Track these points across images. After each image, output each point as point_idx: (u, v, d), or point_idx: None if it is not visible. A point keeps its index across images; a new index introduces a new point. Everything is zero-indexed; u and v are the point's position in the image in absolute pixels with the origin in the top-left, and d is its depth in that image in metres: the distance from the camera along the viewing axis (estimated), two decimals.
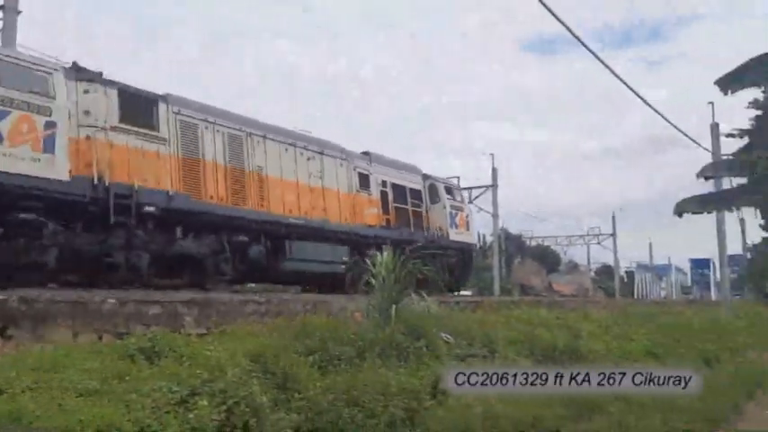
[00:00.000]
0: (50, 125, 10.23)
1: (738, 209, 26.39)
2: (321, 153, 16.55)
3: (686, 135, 27.72)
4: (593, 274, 66.22)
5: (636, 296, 58.43)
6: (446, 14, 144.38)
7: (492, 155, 40.27)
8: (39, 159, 10.02)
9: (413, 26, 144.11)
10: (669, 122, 26.08)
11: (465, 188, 29.77)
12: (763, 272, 45.24)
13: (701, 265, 75.01)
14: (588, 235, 58.84)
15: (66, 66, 11.34)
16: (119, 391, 5.27)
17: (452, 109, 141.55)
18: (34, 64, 10.57)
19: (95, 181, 10.88)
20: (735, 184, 18.74)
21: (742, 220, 47.84)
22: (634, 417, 8.41)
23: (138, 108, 11.97)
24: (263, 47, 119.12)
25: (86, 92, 11.15)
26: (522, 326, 13.12)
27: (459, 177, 27.56)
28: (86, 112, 11.08)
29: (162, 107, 12.48)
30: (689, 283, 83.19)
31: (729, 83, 8.62)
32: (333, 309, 11.43)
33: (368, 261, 9.85)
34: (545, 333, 12.74)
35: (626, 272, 70.61)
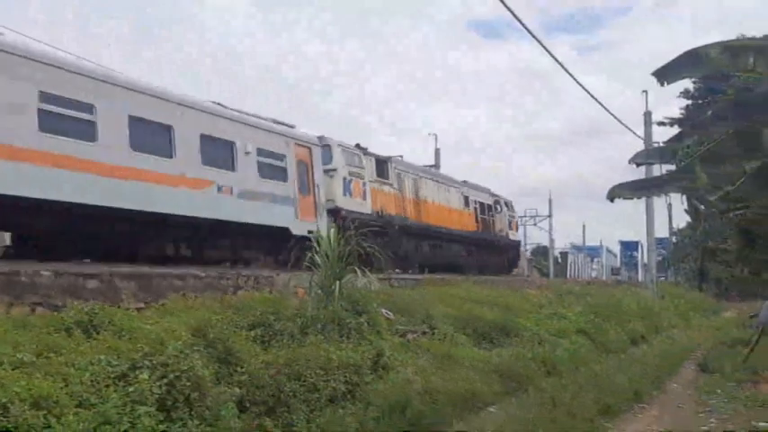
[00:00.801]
0: (364, 184, 19.17)
1: (667, 195, 27.69)
2: (446, 184, 25.40)
3: (621, 122, 28.71)
4: (529, 254, 67.94)
5: (569, 276, 60.34)
6: None
7: (435, 135, 40.76)
8: (363, 203, 19.02)
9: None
10: (605, 109, 26.90)
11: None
12: (685, 255, 47.62)
13: (630, 247, 78.06)
14: (525, 216, 60.27)
15: (363, 149, 19.84)
16: (55, 364, 5.18)
17: (398, 88, 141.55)
18: (359, 154, 19.41)
19: (380, 212, 19.45)
20: (665, 171, 19.67)
21: (669, 206, 50.10)
22: (563, 391, 8.76)
23: (381, 168, 20.46)
24: (209, 25, 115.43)
25: (369, 162, 19.83)
26: (461, 303, 13.43)
27: (402, 156, 27.69)
28: (369, 174, 19.56)
29: (389, 165, 21.04)
30: (618, 264, 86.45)
31: (665, 74, 9.00)
32: (277, 284, 11.43)
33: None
34: (482, 311, 13.08)
35: (560, 253, 72.67)
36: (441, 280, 17.61)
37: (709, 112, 9.71)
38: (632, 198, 10.46)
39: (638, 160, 11.80)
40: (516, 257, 33.14)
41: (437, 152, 39.66)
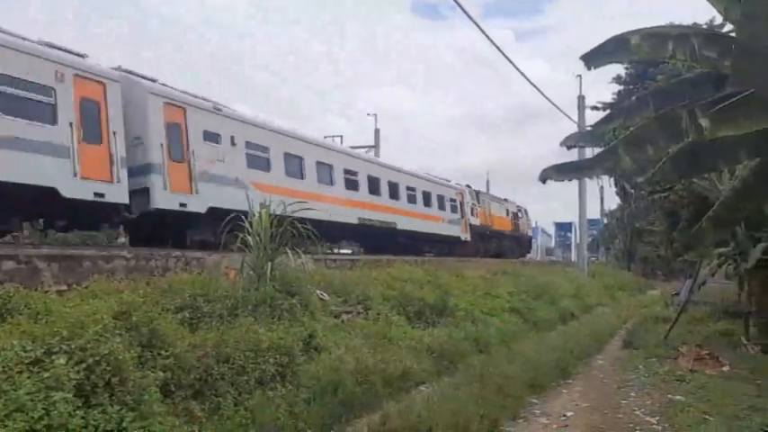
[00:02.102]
0: (472, 207, 34.03)
1: (598, 177, 28.53)
2: (499, 203, 40.59)
3: (555, 105, 29.32)
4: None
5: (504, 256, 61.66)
6: None
7: (375, 115, 41.13)
8: (476, 219, 34.43)
9: None
10: (541, 92, 27.42)
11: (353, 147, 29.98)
12: (614, 236, 49.41)
13: (563, 228, 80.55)
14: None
15: (468, 186, 34.96)
16: None
17: (341, 71, 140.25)
18: (472, 191, 35.17)
19: (479, 224, 34.91)
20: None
21: (601, 188, 51.79)
22: (493, 369, 8.94)
23: (477, 197, 35.65)
24: None
25: (469, 194, 34.24)
26: (397, 283, 13.50)
27: (341, 136, 27.77)
28: (474, 202, 34.78)
29: (479, 195, 36.50)
30: (553, 244, 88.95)
31: (593, 59, 9.21)
32: (207, 264, 11.21)
33: None
34: (418, 291, 13.20)
35: None
36: (378, 260, 17.66)
37: (634, 98, 10.00)
38: (563, 180, 10.68)
39: (568, 143, 12.07)
40: (529, 246, 49.53)
41: (377, 132, 39.74)
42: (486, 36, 17.09)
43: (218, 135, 15.88)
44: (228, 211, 10.47)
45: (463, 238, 31.31)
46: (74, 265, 9.29)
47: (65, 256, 9.28)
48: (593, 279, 31.46)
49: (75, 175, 11.89)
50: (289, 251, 9.84)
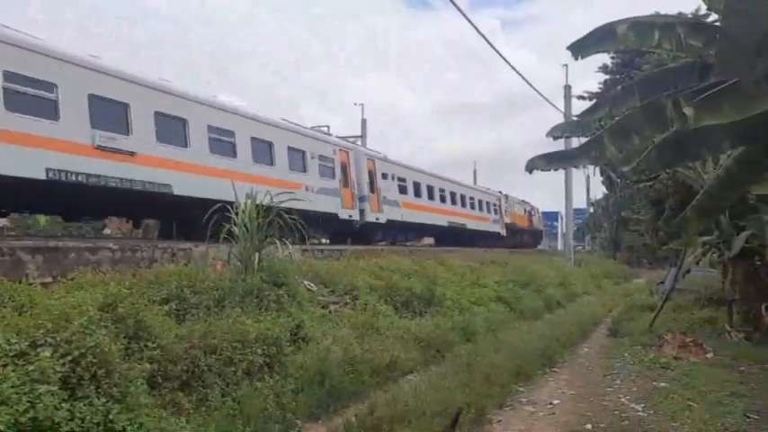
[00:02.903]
0: (505, 210, 43.83)
1: (585, 167, 28.64)
2: (521, 205, 48.94)
3: (541, 95, 29.36)
4: None
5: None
6: None
7: (362, 105, 41.14)
8: (507, 218, 44.27)
9: None
10: (527, 81, 27.35)
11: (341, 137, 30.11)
12: (600, 225, 49.78)
13: (550, 217, 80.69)
14: None
15: (501, 192, 44.51)
16: None
17: (330, 61, 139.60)
18: (502, 195, 43.80)
19: (508, 222, 44.31)
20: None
21: (587, 178, 52.06)
22: (479, 358, 8.99)
23: (505, 200, 44.07)
24: None
25: (505, 198, 44.67)
26: (384, 273, 13.51)
27: (329, 126, 27.65)
28: (505, 204, 44.05)
29: (508, 198, 45.40)
30: None
31: (580, 48, 9.21)
32: (193, 256, 11.15)
33: None
34: (405, 281, 13.22)
35: None
36: (366, 250, 17.65)
37: (620, 87, 10.03)
38: (549, 170, 10.70)
39: (554, 133, 12.09)
40: (540, 238, 57.76)
41: (363, 122, 39.64)
42: (475, 27, 17.06)
43: (387, 174, 26.19)
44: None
45: (502, 234, 41.92)
46: (58, 256, 9.21)
47: (49, 248, 9.20)
48: (580, 268, 31.69)
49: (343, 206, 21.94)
50: (277, 241, 9.81)
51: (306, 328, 8.53)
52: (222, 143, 16.30)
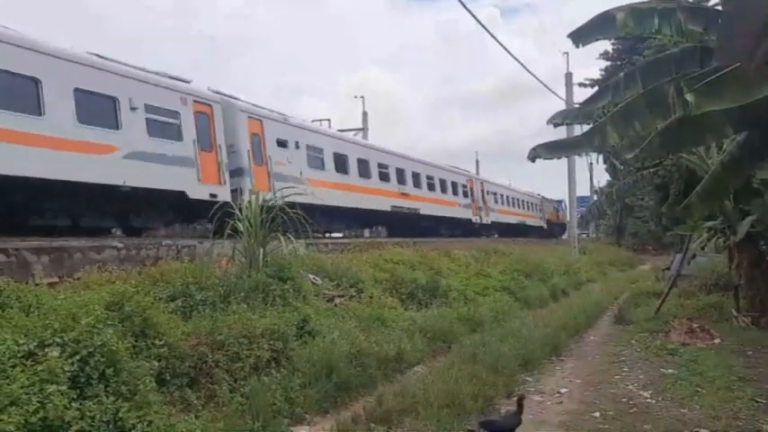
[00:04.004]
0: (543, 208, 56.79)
1: (587, 154, 28.57)
2: (550, 201, 58.97)
3: (542, 83, 29.28)
4: None
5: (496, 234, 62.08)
6: None
7: (362, 97, 40.95)
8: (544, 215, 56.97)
9: None
10: (527, 69, 27.26)
11: (341, 130, 29.83)
12: (603, 212, 49.61)
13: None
14: None
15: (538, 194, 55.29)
16: None
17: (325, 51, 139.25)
18: (541, 199, 56.44)
19: (547, 218, 57.36)
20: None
21: (590, 165, 51.93)
22: (485, 348, 8.99)
23: (541, 200, 56.14)
24: None
25: (544, 201, 57.34)
26: (389, 265, 13.53)
27: (329, 119, 27.72)
28: (543, 204, 57.17)
29: (540, 198, 56.55)
30: None
31: (580, 36, 9.16)
32: (198, 252, 11.18)
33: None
34: (410, 272, 13.22)
35: None
36: (371, 243, 17.68)
37: (622, 74, 9.98)
38: (552, 158, 10.68)
39: (555, 121, 12.04)
40: (564, 229, 57.64)
41: (364, 115, 39.57)
42: (475, 17, 16.99)
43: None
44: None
45: (545, 227, 53.34)
46: (64, 256, 9.25)
47: (54, 248, 9.24)
48: (584, 255, 31.63)
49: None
50: (281, 236, 9.82)
51: (312, 322, 8.55)
52: None
